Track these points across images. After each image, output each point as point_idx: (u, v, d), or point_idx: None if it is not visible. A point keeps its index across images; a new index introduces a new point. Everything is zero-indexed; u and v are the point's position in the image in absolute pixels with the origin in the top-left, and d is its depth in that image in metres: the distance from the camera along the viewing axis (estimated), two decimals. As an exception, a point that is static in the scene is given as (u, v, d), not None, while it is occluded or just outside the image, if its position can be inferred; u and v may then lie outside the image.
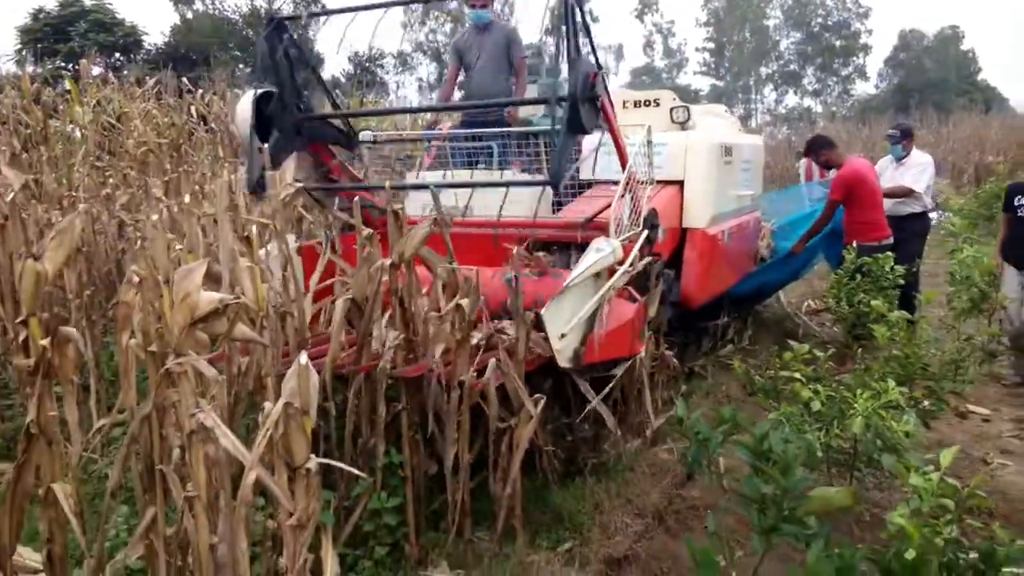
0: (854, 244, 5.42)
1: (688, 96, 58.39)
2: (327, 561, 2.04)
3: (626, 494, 3.69)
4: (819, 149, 6.51)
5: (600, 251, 3.44)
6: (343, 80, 38.54)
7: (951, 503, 2.43)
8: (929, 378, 3.57)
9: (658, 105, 5.65)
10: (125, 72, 14.65)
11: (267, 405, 1.79)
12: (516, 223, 4.22)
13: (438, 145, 5.30)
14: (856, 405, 2.78)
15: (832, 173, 6.60)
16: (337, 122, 4.70)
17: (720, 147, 5.40)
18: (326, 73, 43.11)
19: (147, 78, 10.46)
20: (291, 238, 3.45)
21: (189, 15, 40.08)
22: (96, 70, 14.24)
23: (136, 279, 2.24)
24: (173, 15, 46.27)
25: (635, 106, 5.76)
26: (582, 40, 3.48)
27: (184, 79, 10.59)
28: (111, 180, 6.80)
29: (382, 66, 43.91)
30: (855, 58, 64.15)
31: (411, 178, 5.15)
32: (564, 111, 3.34)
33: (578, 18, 3.48)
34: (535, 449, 3.62)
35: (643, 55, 67.83)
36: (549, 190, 4.62)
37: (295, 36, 4.21)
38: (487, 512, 3.34)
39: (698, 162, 5.20)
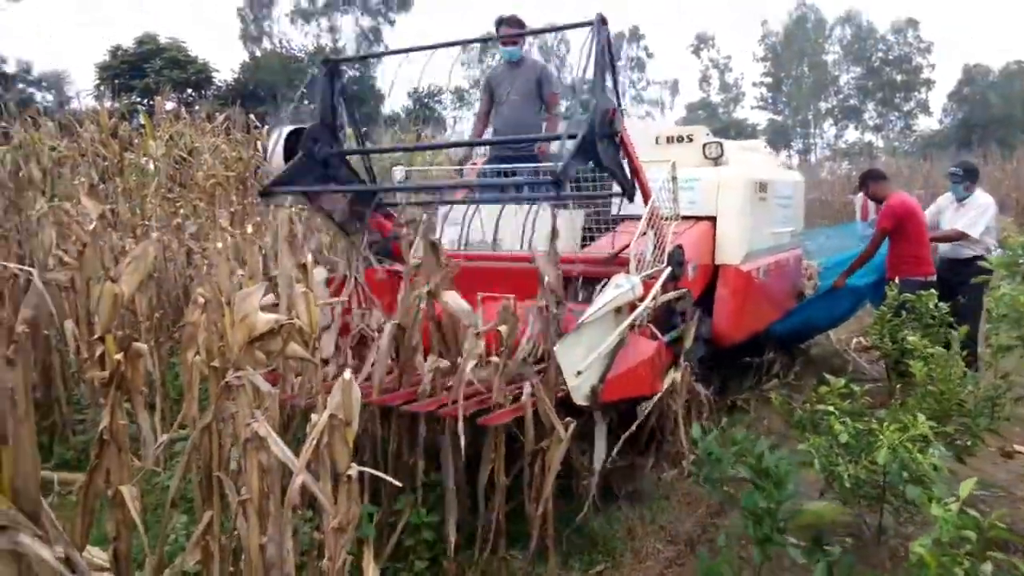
0: (896, 280, 5.37)
1: (745, 131, 58.36)
2: (368, 572, 2.20)
3: (659, 521, 3.78)
4: (871, 181, 6.50)
5: (619, 287, 3.43)
6: (402, 115, 39.47)
7: (972, 534, 2.49)
8: (965, 415, 3.59)
9: (691, 141, 5.65)
10: (196, 108, 15.43)
11: (313, 416, 1.97)
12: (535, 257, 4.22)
13: (469, 180, 5.35)
14: (883, 436, 2.84)
15: (874, 209, 6.62)
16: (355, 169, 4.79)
17: (754, 183, 5.39)
18: (386, 108, 44.31)
19: (217, 114, 10.98)
20: (320, 270, 3.62)
21: (258, 53, 41.64)
22: (169, 105, 14.98)
23: (201, 301, 2.47)
24: (243, 53, 48.13)
25: (668, 142, 5.77)
26: (607, 77, 3.53)
27: (252, 115, 11.10)
28: (182, 211, 7.20)
29: (440, 101, 44.89)
30: (917, 93, 63.14)
31: (442, 213, 5.27)
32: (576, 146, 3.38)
33: (604, 55, 3.53)
34: (571, 474, 3.76)
35: (699, 90, 67.79)
36: (578, 225, 4.83)
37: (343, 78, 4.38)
38: (522, 532, 3.45)
39: (731, 198, 5.18)
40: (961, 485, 2.48)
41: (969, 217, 6.40)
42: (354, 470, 1.94)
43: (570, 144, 3.38)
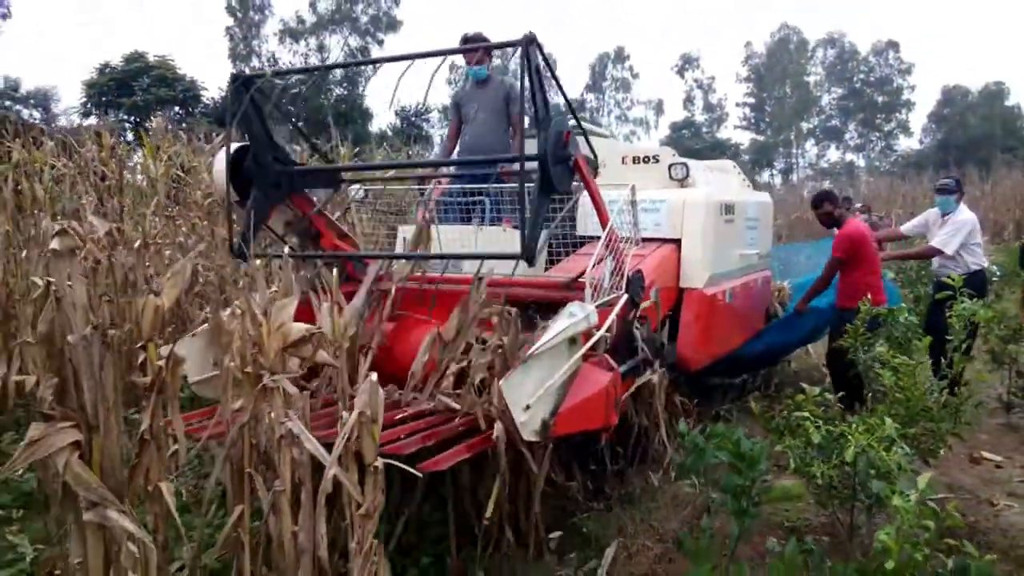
0: (848, 308, 5.32)
1: (728, 150, 59.05)
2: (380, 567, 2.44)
3: (649, 521, 4.03)
4: (825, 202, 6.16)
5: (572, 316, 3.25)
6: (390, 134, 39.77)
7: (931, 524, 2.76)
8: (930, 419, 3.87)
9: (657, 161, 5.56)
10: (184, 125, 15.58)
11: (344, 414, 2.22)
12: (490, 281, 3.96)
13: (434, 200, 5.24)
14: (851, 437, 3.12)
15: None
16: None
17: (719, 205, 5.29)
18: (374, 127, 44.61)
19: (212, 133, 11.21)
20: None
21: (247, 71, 41.85)
22: (156, 123, 15.14)
23: (238, 312, 2.71)
24: (230, 70, 48.21)
25: (634, 162, 5.69)
26: (553, 98, 3.40)
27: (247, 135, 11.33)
28: (183, 228, 7.42)
29: (427, 120, 45.28)
30: (898, 113, 64.29)
31: (402, 232, 5.11)
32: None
33: (544, 74, 3.40)
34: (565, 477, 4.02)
35: (683, 110, 68.64)
36: (542, 246, 4.46)
37: (268, 92, 4.15)
38: (522, 531, 3.69)
39: (695, 220, 5.08)
40: (919, 479, 2.76)
41: (945, 233, 6.37)
42: (380, 462, 2.19)
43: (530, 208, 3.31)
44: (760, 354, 6.28)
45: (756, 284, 6.16)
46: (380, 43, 48.96)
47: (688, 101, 68.57)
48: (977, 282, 6.14)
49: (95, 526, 1.65)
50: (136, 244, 5.88)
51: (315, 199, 4.53)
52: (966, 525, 4.11)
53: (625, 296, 3.81)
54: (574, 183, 3.71)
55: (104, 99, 34.54)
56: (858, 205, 16.12)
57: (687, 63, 68.28)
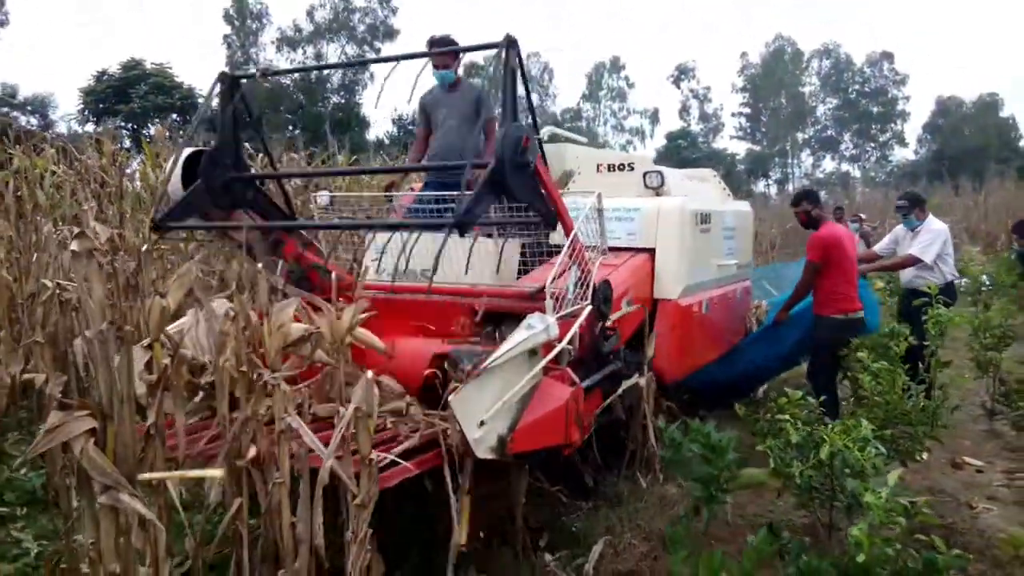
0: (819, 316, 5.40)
1: (724, 160, 59.31)
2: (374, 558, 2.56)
3: (636, 520, 4.15)
4: (804, 200, 5.93)
5: (531, 328, 3.13)
6: (387, 142, 39.97)
7: (902, 520, 2.89)
8: (907, 423, 4.01)
9: (632, 169, 5.44)
10: (181, 133, 15.74)
11: (340, 410, 2.34)
12: (455, 291, 3.93)
13: (401, 206, 5.10)
14: (827, 437, 3.25)
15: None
16: (269, 189, 4.42)
17: (695, 213, 5.16)
18: (371, 135, 44.83)
19: (211, 141, 11.33)
20: (221, 302, 3.28)
21: (244, 80, 42.05)
22: (152, 130, 15.19)
23: (232, 314, 2.83)
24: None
25: (609, 170, 5.57)
26: (518, 103, 3.27)
27: (247, 144, 11.47)
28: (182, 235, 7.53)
29: (425, 128, 45.40)
30: (893, 124, 64.78)
31: (370, 242, 4.91)
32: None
33: (513, 79, 3.29)
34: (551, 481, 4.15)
35: (679, 119, 69.02)
36: (514, 254, 4.45)
37: (243, 94, 3.98)
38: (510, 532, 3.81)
39: (670, 229, 4.95)
40: (889, 476, 2.89)
41: (921, 241, 6.37)
42: (375, 455, 2.31)
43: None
44: (741, 375, 6.02)
45: (735, 295, 6.05)
46: (377, 52, 49.17)
47: (684, 111, 69.01)
48: (951, 293, 6.21)
49: (108, 509, 1.77)
50: (143, 248, 5.98)
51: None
52: (944, 526, 4.25)
53: (588, 307, 3.67)
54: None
55: (101, 106, 34.74)
56: (859, 215, 16.32)
57: (683, 73, 68.70)
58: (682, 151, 57.11)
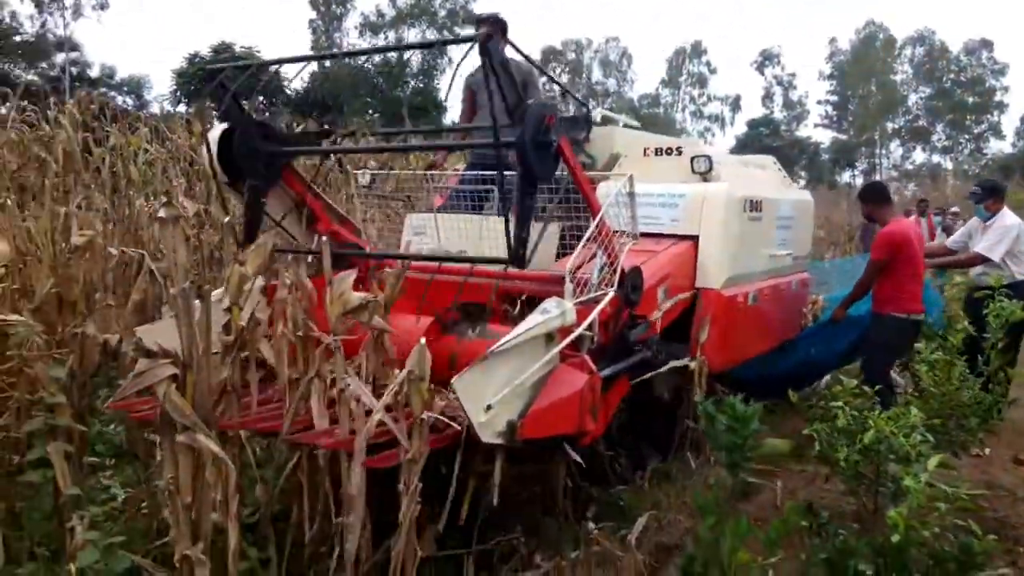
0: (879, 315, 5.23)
1: (808, 148, 57.67)
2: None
3: (683, 498, 4.26)
4: (870, 198, 5.76)
5: (546, 312, 3.07)
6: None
7: (941, 505, 2.94)
8: (962, 414, 3.99)
9: (680, 153, 5.24)
10: (267, 115, 16.32)
11: (396, 372, 2.53)
12: (484, 273, 3.81)
13: (445, 188, 5.02)
14: (872, 422, 3.29)
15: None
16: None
17: (742, 200, 4.94)
18: (447, 119, 45.29)
19: (294, 123, 11.80)
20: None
21: (328, 64, 43.02)
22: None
23: (288, 282, 3.04)
24: (312, 63, 49.75)
25: (656, 154, 5.38)
26: (544, 85, 3.34)
27: (328, 125, 11.90)
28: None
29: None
30: (989, 115, 61.88)
31: (409, 220, 4.96)
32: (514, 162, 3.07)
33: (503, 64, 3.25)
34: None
35: (762, 107, 67.49)
36: (554, 237, 4.36)
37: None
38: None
39: (714, 216, 4.75)
40: (929, 461, 2.93)
41: (988, 239, 6.07)
42: (426, 414, 2.50)
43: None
44: (792, 371, 5.76)
45: (789, 288, 5.76)
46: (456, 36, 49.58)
47: (767, 98, 67.43)
48: (1021, 292, 5.69)
49: (186, 448, 2.00)
50: (226, 221, 6.30)
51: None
52: (997, 519, 4.21)
53: (612, 293, 3.57)
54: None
55: (192, 88, 36.11)
56: (943, 209, 15.78)
57: (767, 59, 67.09)
58: (763, 139, 55.90)
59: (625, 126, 6.25)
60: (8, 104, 9.66)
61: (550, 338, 3.10)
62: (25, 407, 3.21)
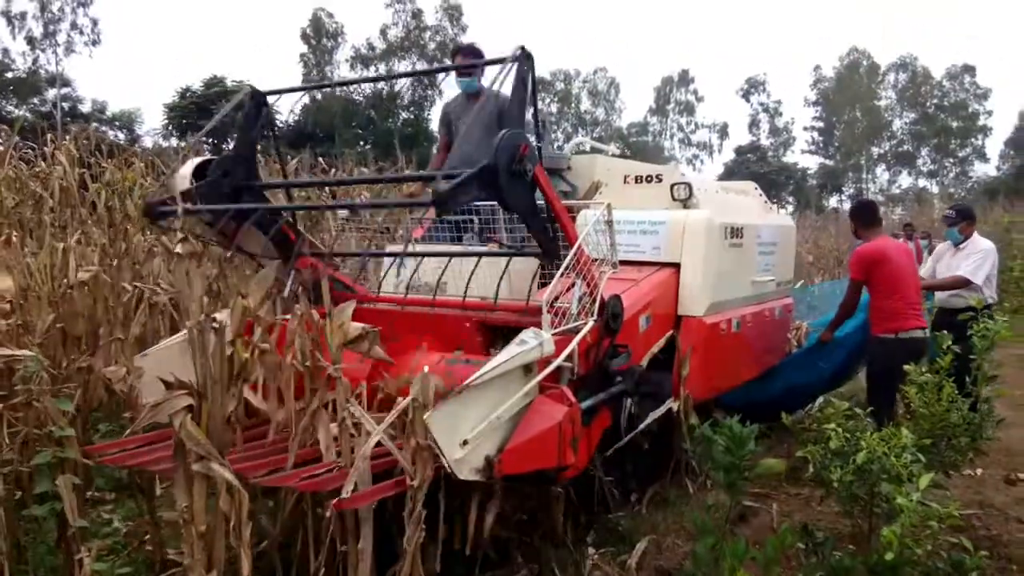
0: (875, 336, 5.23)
1: (795, 175, 58.20)
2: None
3: (680, 523, 4.32)
4: (857, 216, 5.76)
5: (524, 344, 3.01)
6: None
7: (935, 524, 3.00)
8: (952, 434, 4.07)
9: (660, 181, 5.18)
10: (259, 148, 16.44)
11: (399, 399, 2.60)
12: (465, 304, 3.89)
13: (429, 218, 4.96)
14: (864, 443, 3.37)
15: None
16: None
17: (724, 227, 4.91)
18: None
19: (289, 156, 11.89)
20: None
21: (319, 96, 43.41)
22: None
23: (299, 313, 3.11)
24: (298, 98, 50.19)
25: (636, 182, 5.33)
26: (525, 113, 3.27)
27: (321, 158, 12.02)
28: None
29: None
30: (973, 139, 62.72)
31: (391, 249, 4.86)
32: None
33: (522, 89, 3.27)
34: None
35: (748, 133, 68.24)
36: (531, 270, 4.05)
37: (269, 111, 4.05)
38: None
39: (695, 243, 4.71)
40: (920, 480, 3.01)
41: (971, 263, 6.05)
42: (429, 439, 2.56)
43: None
44: (779, 397, 5.56)
45: (772, 314, 5.72)
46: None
47: (753, 125, 68.19)
48: (990, 316, 5.55)
49: (201, 476, 2.06)
50: (227, 255, 6.38)
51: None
52: (990, 537, 4.29)
53: (591, 322, 3.50)
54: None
55: (184, 121, 36.31)
56: (928, 233, 16.02)
57: (753, 87, 67.96)
58: (751, 165, 56.41)
59: (593, 151, 6.24)
60: (2, 141, 9.76)
61: (528, 370, 3.05)
62: (32, 441, 3.25)
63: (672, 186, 5.00)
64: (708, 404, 4.96)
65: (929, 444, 3.83)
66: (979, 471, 5.45)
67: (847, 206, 56.26)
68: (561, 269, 3.41)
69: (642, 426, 4.11)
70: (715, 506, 3.04)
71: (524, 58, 3.22)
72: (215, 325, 2.08)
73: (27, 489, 3.59)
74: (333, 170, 11.83)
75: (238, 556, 2.07)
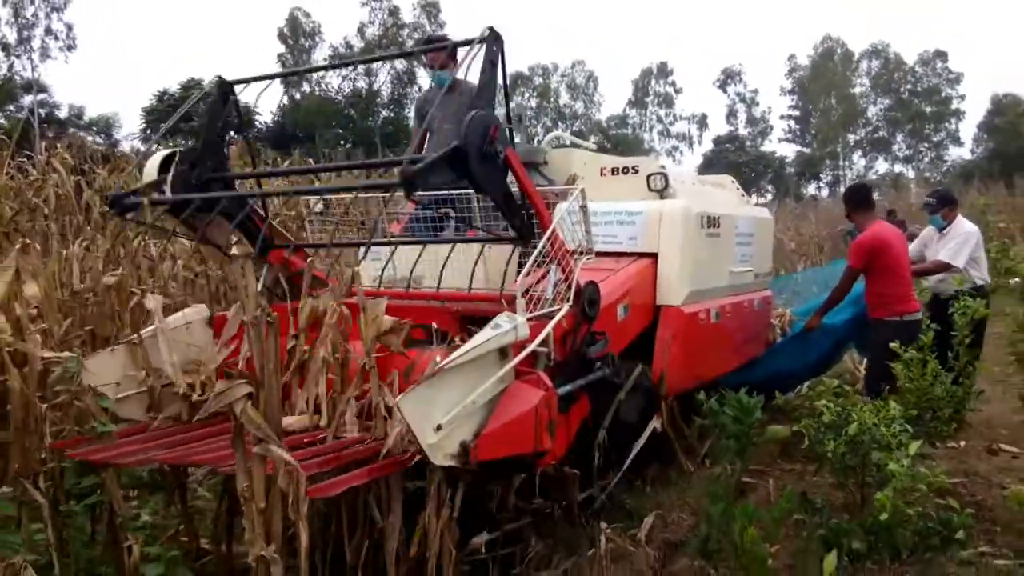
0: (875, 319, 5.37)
1: (773, 163, 58.69)
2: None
3: (684, 499, 4.54)
4: (850, 201, 5.86)
5: (498, 328, 2.97)
6: (437, 153, 40.63)
7: (924, 486, 3.26)
8: (937, 407, 4.33)
9: (636, 172, 5.22)
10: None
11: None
12: (434, 295, 3.90)
13: (407, 212, 4.94)
14: (855, 415, 3.61)
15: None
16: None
17: (700, 216, 4.94)
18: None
19: (277, 159, 12.07)
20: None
21: (297, 96, 43.37)
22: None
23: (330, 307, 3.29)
24: (280, 96, 50.10)
25: (612, 173, 5.37)
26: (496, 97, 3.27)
27: (310, 159, 12.17)
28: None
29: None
30: (947, 124, 63.64)
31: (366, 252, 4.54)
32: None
33: (493, 70, 3.24)
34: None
35: (726, 124, 68.84)
36: (510, 259, 3.96)
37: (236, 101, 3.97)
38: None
39: (673, 232, 4.74)
40: (910, 446, 3.25)
41: (951, 247, 6.16)
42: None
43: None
44: (763, 381, 5.40)
45: (752, 304, 5.78)
46: (426, 67, 50.28)
47: (731, 115, 68.78)
48: (983, 297, 5.91)
49: (260, 458, 2.25)
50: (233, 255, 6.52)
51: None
52: (975, 503, 4.54)
53: (566, 308, 3.49)
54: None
55: (162, 125, 36.10)
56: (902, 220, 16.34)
57: (729, 77, 68.58)
58: (729, 155, 56.94)
59: (572, 145, 6.22)
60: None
61: (503, 354, 3.03)
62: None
63: (648, 177, 5.04)
64: (691, 393, 4.88)
65: (915, 416, 4.08)
66: (963, 443, 5.70)
67: (825, 193, 57.12)
68: (535, 254, 3.40)
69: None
70: (723, 474, 3.26)
71: (493, 39, 3.18)
72: (269, 319, 2.26)
73: (59, 487, 3.75)
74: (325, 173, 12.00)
75: (297, 530, 2.26)
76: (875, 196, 6.64)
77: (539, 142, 6.20)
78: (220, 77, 3.89)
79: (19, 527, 3.13)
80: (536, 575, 3.63)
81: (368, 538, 3.11)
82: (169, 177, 3.61)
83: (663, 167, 5.17)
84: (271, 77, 4.01)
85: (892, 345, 4.53)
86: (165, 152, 3.76)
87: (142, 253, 7.68)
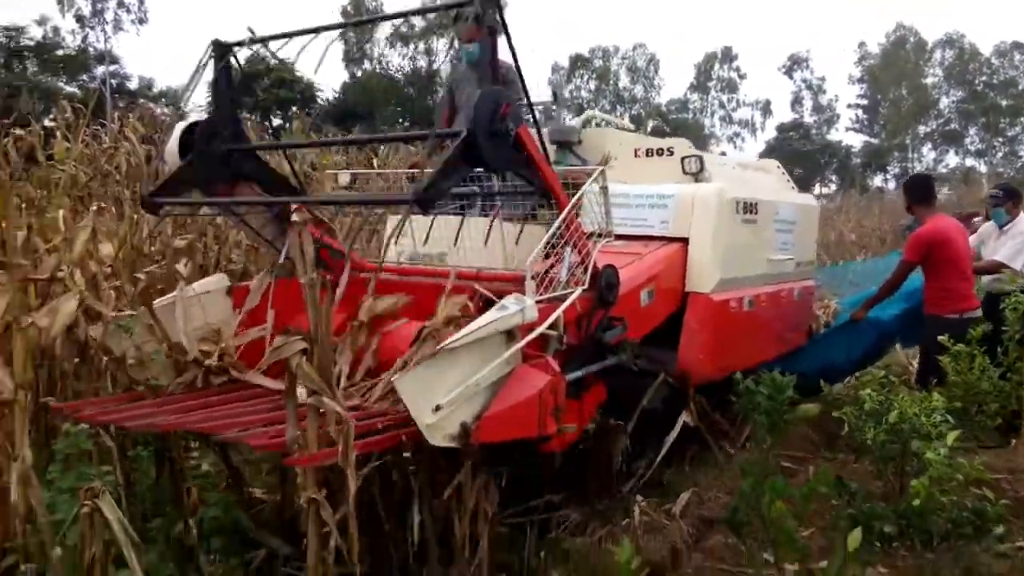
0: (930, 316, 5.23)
1: (839, 152, 57.29)
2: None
3: (721, 478, 4.60)
4: (910, 192, 5.66)
5: (504, 309, 2.88)
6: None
7: (960, 476, 3.27)
8: (983, 401, 4.31)
9: (671, 154, 5.07)
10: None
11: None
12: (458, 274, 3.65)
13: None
14: (896, 404, 3.63)
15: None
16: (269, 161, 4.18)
17: (735, 202, 4.74)
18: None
19: (339, 132, 12.30)
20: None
21: (359, 73, 43.84)
22: (276, 122, 16.38)
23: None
24: (343, 73, 50.68)
25: (647, 155, 5.22)
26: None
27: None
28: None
29: (531, 121, 46.31)
30: (1023, 118, 61.25)
31: (391, 225, 4.52)
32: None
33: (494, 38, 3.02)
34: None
35: (791, 111, 67.33)
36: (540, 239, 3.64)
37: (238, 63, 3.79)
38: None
39: (705, 217, 4.57)
40: (948, 436, 3.27)
41: (1010, 247, 5.86)
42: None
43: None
44: (810, 374, 5.17)
45: (792, 294, 5.54)
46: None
47: (796, 102, 67.28)
48: None
49: (314, 409, 2.41)
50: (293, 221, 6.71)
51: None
52: (1016, 499, 4.51)
53: (579, 290, 3.35)
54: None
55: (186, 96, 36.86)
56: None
57: (796, 63, 67.01)
58: (793, 143, 55.81)
59: (609, 125, 6.16)
60: (65, 116, 10.23)
61: (510, 336, 2.92)
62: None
63: (683, 159, 4.90)
64: (720, 383, 4.74)
65: (960, 408, 4.07)
66: (1013, 442, 5.63)
67: (892, 186, 55.52)
68: (547, 235, 3.30)
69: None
70: (758, 450, 3.33)
71: (485, 3, 2.92)
72: (322, 283, 2.42)
73: (126, 434, 3.99)
74: (383, 147, 12.23)
75: (345, 475, 2.41)
76: (946, 190, 6.44)
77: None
78: (216, 40, 3.69)
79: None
80: (571, 540, 3.73)
81: (402, 496, 3.25)
82: (187, 160, 3.55)
83: (723, 153, 4.96)
84: (270, 39, 3.72)
85: (940, 338, 4.51)
86: (182, 125, 3.66)
87: (208, 220, 7.99)
